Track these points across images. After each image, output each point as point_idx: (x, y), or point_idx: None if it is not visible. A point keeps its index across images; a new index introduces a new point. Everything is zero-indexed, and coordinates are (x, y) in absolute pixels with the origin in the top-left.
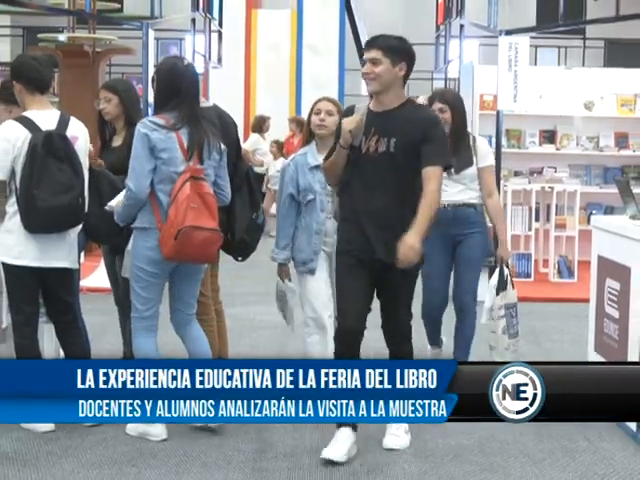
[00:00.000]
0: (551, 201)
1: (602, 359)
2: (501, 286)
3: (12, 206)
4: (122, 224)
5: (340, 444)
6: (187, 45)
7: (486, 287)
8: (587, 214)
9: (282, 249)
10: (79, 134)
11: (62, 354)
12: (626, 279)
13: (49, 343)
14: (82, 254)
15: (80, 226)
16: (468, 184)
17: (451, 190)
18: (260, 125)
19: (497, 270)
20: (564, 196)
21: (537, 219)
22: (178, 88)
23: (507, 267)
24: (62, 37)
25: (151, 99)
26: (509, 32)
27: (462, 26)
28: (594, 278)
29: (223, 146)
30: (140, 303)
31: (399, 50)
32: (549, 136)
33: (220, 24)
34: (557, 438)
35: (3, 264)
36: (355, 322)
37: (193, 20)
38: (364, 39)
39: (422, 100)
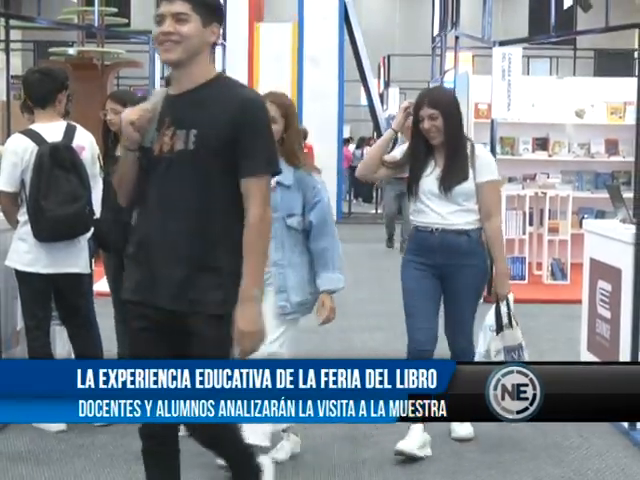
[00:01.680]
0: (544, 206)
1: (595, 358)
2: (499, 326)
3: (23, 215)
4: None
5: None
6: None
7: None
8: (579, 218)
9: None
10: (85, 144)
11: (74, 357)
12: (617, 281)
13: (61, 346)
14: (93, 260)
15: (90, 232)
16: (463, 204)
17: (440, 210)
18: None
19: (493, 308)
20: (557, 201)
21: (531, 223)
22: None
23: (507, 305)
24: (72, 51)
25: None
26: (502, 43)
27: (457, 38)
28: (586, 280)
29: None
30: None
31: (212, 5)
32: (542, 143)
33: (224, 37)
34: (552, 435)
35: (16, 271)
36: None
37: None
38: (362, 52)
39: (407, 104)
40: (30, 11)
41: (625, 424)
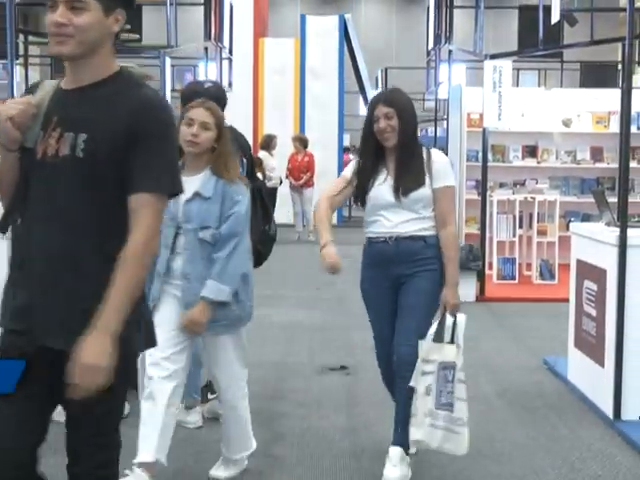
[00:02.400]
0: (533, 210)
1: (581, 354)
2: (439, 337)
3: None
4: None
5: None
6: (200, 71)
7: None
8: (566, 221)
9: None
10: None
11: None
12: (602, 280)
13: None
14: None
15: None
16: (419, 211)
17: (395, 219)
18: (268, 143)
19: (440, 317)
20: (545, 205)
21: (520, 226)
22: None
23: (454, 321)
24: None
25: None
26: (493, 56)
27: (450, 51)
28: (573, 280)
29: (244, 160)
30: None
31: None
32: (531, 151)
33: (230, 52)
34: (541, 426)
35: None
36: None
37: (206, 49)
38: (361, 65)
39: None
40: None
41: (610, 415)
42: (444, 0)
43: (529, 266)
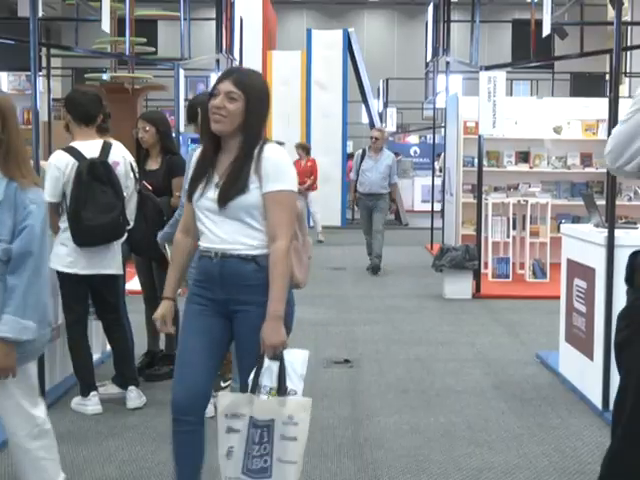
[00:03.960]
0: (526, 212)
1: (572, 348)
2: (255, 385)
3: (63, 222)
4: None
5: None
6: (212, 82)
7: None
8: (557, 223)
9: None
10: (120, 160)
11: (108, 347)
12: (591, 278)
13: (97, 338)
14: (125, 262)
15: (123, 238)
16: (248, 221)
17: (219, 231)
18: None
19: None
20: (537, 208)
21: (514, 228)
22: None
23: (282, 363)
24: (105, 76)
25: (182, 129)
26: (488, 68)
27: (448, 63)
28: (564, 278)
29: None
30: None
31: None
32: (524, 156)
33: (240, 63)
34: (533, 416)
35: (57, 272)
36: None
37: (217, 60)
38: (364, 76)
39: None
40: (69, 41)
41: (599, 406)
42: (442, 15)
43: (522, 265)
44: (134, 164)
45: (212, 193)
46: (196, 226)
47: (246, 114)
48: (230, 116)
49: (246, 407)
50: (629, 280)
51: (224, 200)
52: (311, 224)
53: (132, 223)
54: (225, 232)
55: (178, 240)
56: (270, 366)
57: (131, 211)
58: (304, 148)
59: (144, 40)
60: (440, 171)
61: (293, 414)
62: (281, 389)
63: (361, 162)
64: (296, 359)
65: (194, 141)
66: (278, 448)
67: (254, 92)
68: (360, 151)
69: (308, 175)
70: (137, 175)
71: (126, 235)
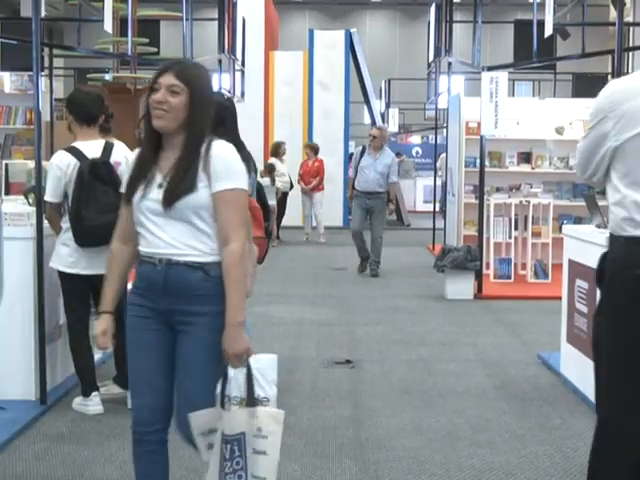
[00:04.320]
0: (528, 213)
1: (574, 349)
2: (222, 398)
3: (65, 223)
4: None
5: None
6: (214, 82)
7: None
8: (559, 224)
9: None
10: (122, 160)
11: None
12: (593, 279)
13: None
14: None
15: None
16: (196, 223)
17: (163, 234)
18: (277, 150)
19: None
20: (539, 208)
21: (516, 228)
22: (223, 118)
23: (249, 372)
24: (108, 76)
25: None
26: (490, 68)
27: (450, 63)
28: (566, 279)
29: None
30: None
31: None
32: (525, 157)
33: (243, 64)
34: (535, 416)
35: (59, 272)
36: None
37: (220, 61)
38: (366, 76)
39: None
40: (71, 41)
41: None
42: (444, 15)
43: (524, 266)
44: None
45: (155, 194)
46: (135, 232)
47: (190, 109)
48: (173, 111)
49: (219, 421)
50: (599, 282)
51: (170, 200)
52: (314, 225)
53: None
54: (171, 236)
55: (116, 249)
56: (236, 375)
57: None
58: (312, 148)
59: (146, 40)
60: (440, 170)
61: (262, 426)
62: (250, 398)
63: (360, 159)
64: (264, 365)
65: None
66: (251, 462)
67: (198, 85)
68: (360, 148)
69: (314, 175)
70: None
71: None
